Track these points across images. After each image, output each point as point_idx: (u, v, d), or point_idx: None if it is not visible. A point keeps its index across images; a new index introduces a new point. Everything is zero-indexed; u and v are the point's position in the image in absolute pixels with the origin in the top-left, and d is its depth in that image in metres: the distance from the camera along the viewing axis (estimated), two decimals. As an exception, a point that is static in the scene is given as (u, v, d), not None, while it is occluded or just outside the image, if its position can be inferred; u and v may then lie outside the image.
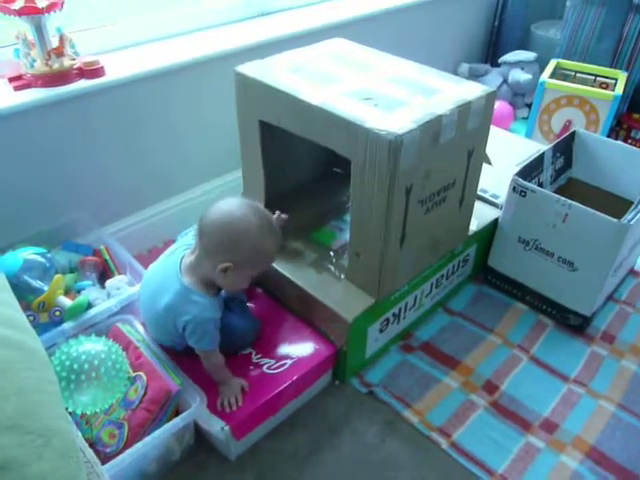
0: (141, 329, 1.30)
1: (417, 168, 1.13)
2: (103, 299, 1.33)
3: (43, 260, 1.31)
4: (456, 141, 1.20)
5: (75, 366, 1.11)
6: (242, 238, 1.09)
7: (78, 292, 1.36)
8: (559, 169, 1.69)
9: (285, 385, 1.24)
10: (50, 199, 1.50)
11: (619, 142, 1.67)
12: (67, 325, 1.24)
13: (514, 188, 1.45)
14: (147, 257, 1.68)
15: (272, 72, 1.29)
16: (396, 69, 1.33)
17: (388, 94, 1.20)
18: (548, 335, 1.52)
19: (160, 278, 1.20)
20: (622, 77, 2.21)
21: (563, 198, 1.37)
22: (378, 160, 1.08)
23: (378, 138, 1.06)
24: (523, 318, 1.57)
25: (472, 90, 1.22)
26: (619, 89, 2.12)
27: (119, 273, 1.45)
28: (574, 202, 1.36)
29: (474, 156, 1.28)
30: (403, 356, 1.46)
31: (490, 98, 1.22)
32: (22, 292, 1.24)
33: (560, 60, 2.33)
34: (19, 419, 0.75)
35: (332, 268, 1.38)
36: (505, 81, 2.52)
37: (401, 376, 1.40)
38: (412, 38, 2.31)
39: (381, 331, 1.38)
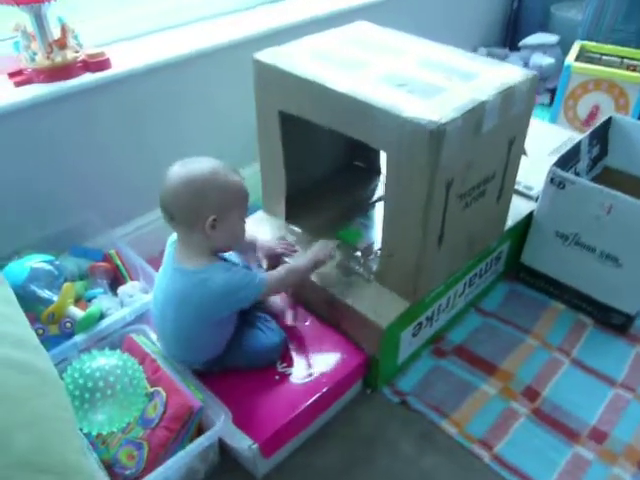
0: (154, 338, 1.21)
1: (458, 160, 1.03)
2: (116, 308, 1.24)
3: (51, 268, 1.22)
4: (498, 129, 1.10)
5: (89, 384, 1.02)
6: (206, 186, 1.01)
7: (89, 301, 1.27)
8: (595, 158, 1.59)
9: (316, 397, 1.15)
10: (55, 201, 1.41)
11: (660, 128, 1.56)
12: (79, 338, 1.15)
13: (552, 179, 1.35)
14: (159, 259, 1.59)
15: (293, 59, 1.19)
16: (426, 52, 1.23)
17: (422, 79, 1.10)
18: (589, 336, 1.43)
19: (164, 285, 1.11)
20: (651, 58, 2.10)
21: (607, 189, 1.27)
22: (417, 152, 0.98)
23: (417, 128, 0.96)
24: (561, 318, 1.48)
25: (513, 73, 1.12)
26: (646, 71, 2.01)
27: (131, 279, 1.36)
28: (620, 193, 1.26)
29: (515, 145, 1.19)
30: (436, 361, 1.37)
31: (533, 82, 1.12)
32: (30, 303, 1.15)
33: (585, 42, 2.22)
34: (33, 455, 0.67)
35: (360, 269, 1.29)
36: (526, 65, 2.41)
37: (435, 383, 1.31)
38: (428, 22, 2.19)
39: (414, 335, 1.29)
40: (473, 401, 1.27)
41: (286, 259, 1.31)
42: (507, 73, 1.12)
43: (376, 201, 1.50)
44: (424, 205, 1.04)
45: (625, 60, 2.16)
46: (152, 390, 1.11)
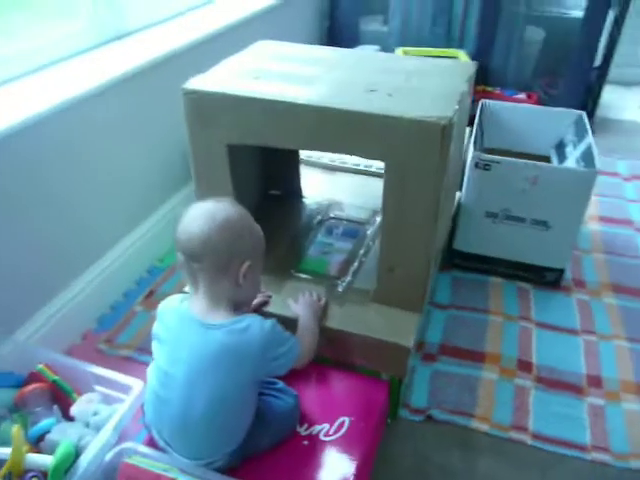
0: (153, 452, 0.94)
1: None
2: (90, 434, 0.93)
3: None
4: (461, 119, 1.11)
5: None
6: (243, 228, 0.92)
7: (38, 441, 0.93)
8: (480, 141, 1.72)
9: (363, 448, 1.01)
10: None
11: (522, 105, 1.77)
12: (62, 491, 0.84)
13: (477, 164, 1.42)
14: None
15: (235, 83, 1.04)
16: (357, 58, 1.20)
17: (386, 83, 1.05)
18: (534, 298, 1.54)
19: (192, 350, 0.89)
20: (462, 54, 2.38)
21: (531, 162, 1.39)
22: (428, 152, 0.93)
23: (427, 126, 0.91)
24: (505, 290, 1.57)
25: (457, 64, 1.15)
26: (468, 64, 2.28)
27: (78, 393, 1.04)
28: (542, 163, 1.38)
29: (462, 134, 1.22)
30: (431, 367, 1.33)
31: (475, 67, 1.16)
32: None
33: (405, 48, 2.42)
34: None
35: (348, 296, 1.19)
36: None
37: (444, 388, 1.27)
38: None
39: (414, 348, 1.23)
40: (484, 392, 1.27)
41: (264, 309, 1.15)
42: (452, 64, 1.15)
43: (321, 222, 1.41)
44: (434, 208, 0.99)
45: (441, 59, 2.41)
46: (188, 517, 0.86)
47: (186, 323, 0.90)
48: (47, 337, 1.28)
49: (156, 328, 0.95)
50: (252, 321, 0.90)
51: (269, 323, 0.92)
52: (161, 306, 0.97)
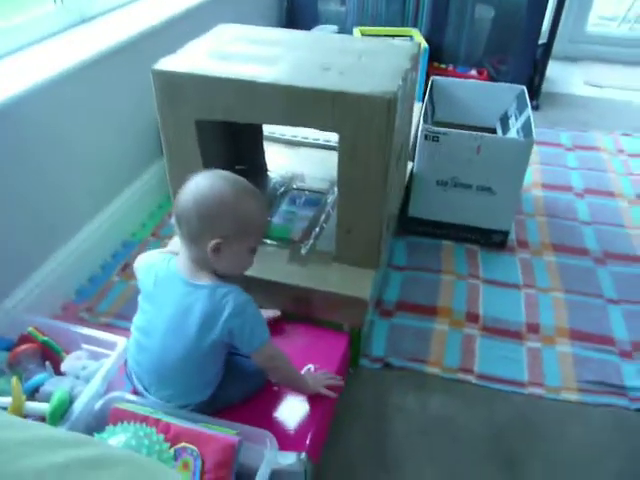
0: (139, 399, 1.05)
1: (397, 126, 1.13)
2: (80, 384, 1.03)
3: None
4: (405, 94, 1.23)
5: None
6: (219, 207, 0.96)
7: (33, 394, 1.03)
8: (431, 115, 1.85)
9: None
10: None
11: (470, 80, 1.90)
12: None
13: (426, 136, 1.55)
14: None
15: (202, 63, 1.14)
16: (314, 40, 1.30)
17: (339, 62, 1.17)
18: (482, 258, 1.69)
19: (175, 305, 0.98)
20: (416, 33, 2.50)
21: (474, 133, 1.52)
22: (375, 124, 1.05)
23: (374, 101, 1.03)
24: (455, 252, 1.71)
25: (404, 45, 1.26)
26: (421, 42, 2.39)
27: (67, 353, 1.14)
28: (485, 134, 1.52)
29: (410, 110, 1.34)
30: (389, 321, 1.47)
31: (420, 48, 1.27)
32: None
33: (362, 27, 2.52)
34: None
35: (311, 257, 1.31)
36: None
37: (400, 339, 1.41)
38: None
39: (371, 301, 1.37)
40: (437, 341, 1.41)
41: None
42: (398, 44, 1.26)
43: (285, 193, 1.52)
44: (384, 174, 1.11)
45: (396, 38, 2.53)
46: (173, 449, 0.97)
47: (174, 280, 0.99)
48: (29, 309, 1.36)
49: (143, 282, 1.04)
50: (232, 289, 0.98)
51: (245, 297, 0.98)
52: (142, 261, 1.06)
